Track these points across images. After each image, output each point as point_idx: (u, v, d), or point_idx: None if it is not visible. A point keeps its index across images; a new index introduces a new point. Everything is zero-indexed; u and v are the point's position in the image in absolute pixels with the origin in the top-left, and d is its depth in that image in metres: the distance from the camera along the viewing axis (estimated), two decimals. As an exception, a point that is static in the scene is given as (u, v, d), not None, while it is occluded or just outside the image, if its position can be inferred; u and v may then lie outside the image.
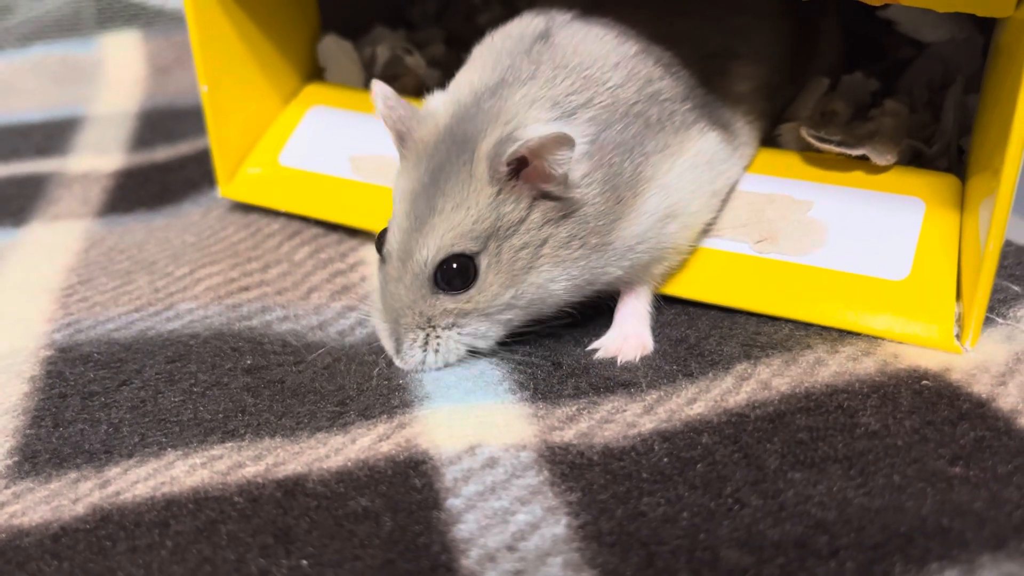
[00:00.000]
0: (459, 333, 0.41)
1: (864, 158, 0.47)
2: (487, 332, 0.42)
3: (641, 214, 0.42)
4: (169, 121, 0.76)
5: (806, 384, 0.40)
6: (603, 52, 0.43)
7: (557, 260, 0.40)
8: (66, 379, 0.43)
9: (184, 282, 0.51)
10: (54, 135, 0.75)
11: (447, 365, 0.42)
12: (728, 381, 0.41)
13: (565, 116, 0.40)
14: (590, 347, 0.43)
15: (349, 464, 0.37)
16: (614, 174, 0.41)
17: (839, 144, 0.48)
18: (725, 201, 0.47)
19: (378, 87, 0.41)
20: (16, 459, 0.39)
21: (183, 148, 0.71)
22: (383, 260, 0.41)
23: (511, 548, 0.32)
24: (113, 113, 0.79)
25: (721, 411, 0.39)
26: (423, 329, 0.40)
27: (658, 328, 0.45)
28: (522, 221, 0.39)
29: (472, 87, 0.41)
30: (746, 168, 0.48)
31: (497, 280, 0.40)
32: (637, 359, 0.42)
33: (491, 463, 0.36)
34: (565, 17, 0.44)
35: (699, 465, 0.36)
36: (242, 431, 0.39)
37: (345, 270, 0.52)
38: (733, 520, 0.33)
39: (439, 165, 0.39)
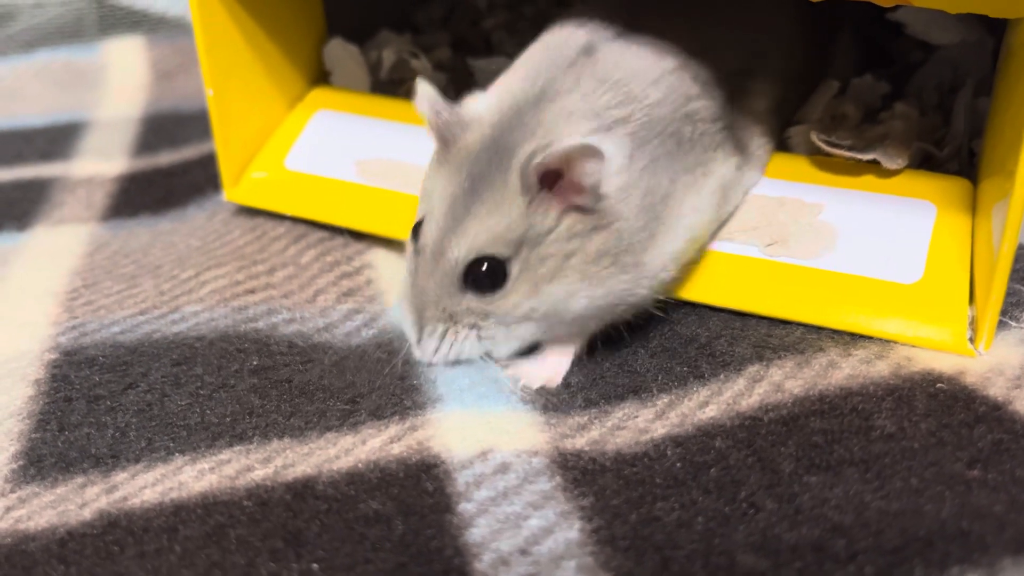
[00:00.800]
0: (478, 336, 0.41)
1: (875, 162, 0.47)
2: (504, 340, 0.41)
3: (676, 232, 0.42)
4: (173, 126, 0.76)
5: (820, 387, 0.40)
6: (643, 67, 0.43)
7: (583, 275, 0.39)
8: (71, 383, 0.43)
9: (189, 285, 0.51)
10: (58, 140, 0.75)
11: (460, 361, 0.42)
12: (740, 383, 0.41)
13: (603, 129, 0.40)
14: (507, 370, 0.43)
15: (360, 465, 0.36)
16: (650, 191, 0.40)
17: (850, 148, 0.48)
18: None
19: (423, 89, 0.41)
20: (21, 463, 0.38)
21: (187, 153, 0.70)
22: (417, 253, 0.41)
23: (524, 552, 0.32)
24: (117, 118, 0.79)
25: (734, 414, 0.39)
26: (444, 323, 0.41)
27: (667, 326, 0.45)
28: (550, 232, 0.39)
29: (514, 97, 0.41)
30: (746, 193, 0.48)
31: (521, 289, 0.39)
32: (535, 388, 0.42)
33: (503, 468, 0.36)
34: (608, 33, 0.44)
35: (713, 469, 0.36)
36: (250, 433, 0.39)
37: (352, 273, 0.51)
38: (748, 524, 0.33)
39: (480, 173, 0.39)
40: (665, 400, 0.40)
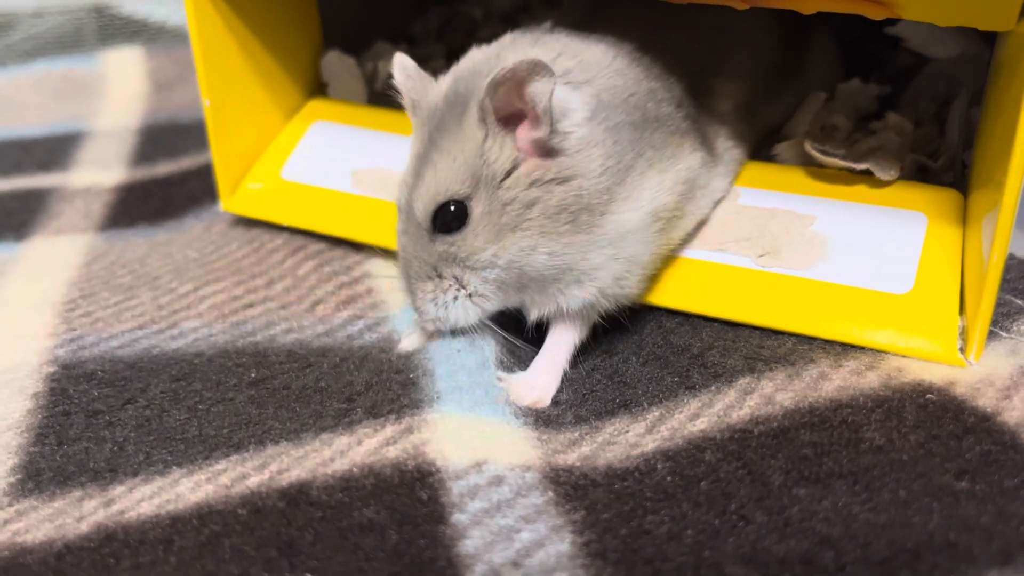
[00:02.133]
0: (465, 293, 0.42)
1: (868, 172, 0.47)
2: (484, 291, 0.42)
3: (637, 203, 0.42)
4: (171, 136, 0.76)
5: (810, 399, 0.40)
6: (602, 47, 0.44)
7: (543, 230, 0.40)
8: (70, 396, 0.43)
9: (188, 300, 0.51)
10: (56, 150, 0.75)
11: (459, 327, 0.43)
12: (731, 395, 0.41)
13: (567, 84, 0.41)
14: (499, 375, 0.43)
15: (355, 470, 0.37)
16: (615, 153, 0.41)
17: (843, 158, 0.48)
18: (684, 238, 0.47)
19: (399, 58, 0.43)
20: (19, 477, 0.39)
21: (185, 163, 0.71)
22: (398, 217, 0.43)
23: (516, 564, 0.32)
24: (115, 128, 0.79)
25: (724, 427, 0.39)
26: (431, 279, 0.42)
27: (661, 336, 0.46)
28: (508, 173, 0.39)
29: (473, 60, 0.43)
30: (716, 203, 0.48)
31: (485, 230, 0.40)
32: (524, 405, 0.42)
33: (497, 481, 0.36)
34: (568, 21, 0.46)
35: (703, 482, 0.36)
36: (246, 442, 0.39)
37: (350, 283, 0.52)
38: (738, 537, 0.33)
39: (437, 125, 0.41)
40: (656, 413, 0.40)
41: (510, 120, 0.39)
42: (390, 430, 0.39)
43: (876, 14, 0.41)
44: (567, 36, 0.44)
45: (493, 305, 0.43)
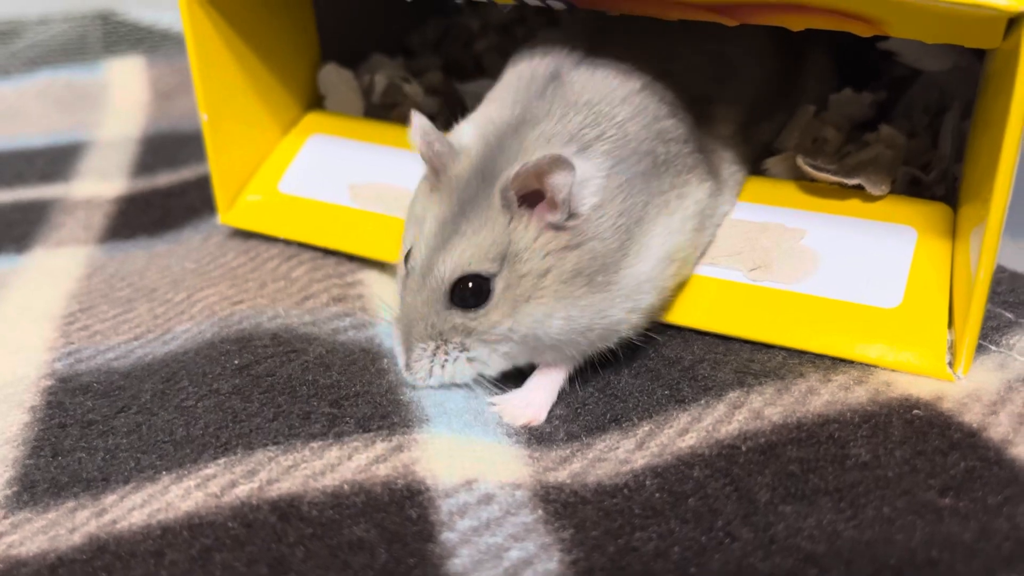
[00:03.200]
0: (466, 357, 0.42)
1: (859, 187, 0.48)
2: (489, 360, 0.42)
3: (648, 252, 0.42)
4: (171, 146, 0.77)
5: (798, 414, 0.40)
6: (609, 89, 0.44)
7: (558, 296, 0.40)
8: (66, 409, 0.44)
9: (181, 307, 0.52)
10: (58, 160, 0.76)
11: (452, 383, 0.43)
12: (720, 409, 0.41)
13: (582, 150, 0.41)
14: (491, 399, 0.43)
15: (345, 487, 0.37)
16: (626, 209, 0.41)
17: (835, 173, 0.48)
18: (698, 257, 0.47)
19: (417, 120, 0.43)
20: (15, 489, 0.39)
21: (185, 173, 0.71)
22: (407, 274, 0.43)
23: (503, 582, 0.32)
24: (116, 138, 0.80)
25: (713, 442, 0.39)
26: (433, 340, 0.42)
27: (652, 348, 0.46)
28: (527, 248, 0.40)
29: (495, 126, 0.43)
30: (719, 226, 0.48)
31: (501, 308, 0.40)
32: (519, 425, 0.42)
33: (487, 499, 0.36)
34: (573, 58, 0.46)
35: (691, 499, 0.36)
36: (234, 443, 0.40)
37: (343, 285, 0.52)
38: (724, 553, 0.33)
39: (467, 198, 0.41)
40: (646, 428, 0.40)
41: (528, 199, 0.40)
42: (380, 447, 0.40)
43: (864, 31, 0.41)
44: (577, 80, 0.44)
45: (491, 371, 0.43)
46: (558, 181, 0.38)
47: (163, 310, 0.52)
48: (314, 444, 0.40)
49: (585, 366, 0.44)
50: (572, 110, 0.43)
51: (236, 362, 0.44)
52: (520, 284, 0.40)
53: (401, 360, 0.43)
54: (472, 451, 0.40)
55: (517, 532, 0.35)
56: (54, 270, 0.58)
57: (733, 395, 0.42)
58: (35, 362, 0.48)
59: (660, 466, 0.38)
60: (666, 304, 0.46)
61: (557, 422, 0.42)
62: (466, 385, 0.43)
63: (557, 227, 0.40)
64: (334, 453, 0.39)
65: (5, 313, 0.53)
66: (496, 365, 0.43)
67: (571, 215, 0.40)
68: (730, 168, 0.49)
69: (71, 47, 0.95)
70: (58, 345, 0.49)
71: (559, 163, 0.38)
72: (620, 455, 0.39)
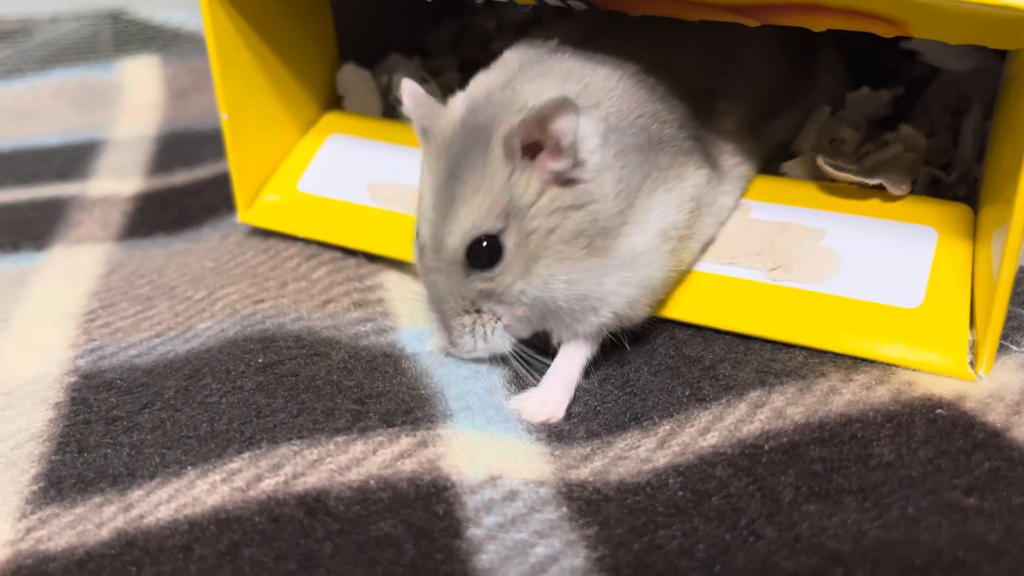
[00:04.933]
0: (501, 322, 0.42)
1: (879, 187, 0.48)
2: (514, 323, 0.42)
3: (646, 224, 0.42)
4: (187, 145, 0.77)
5: (820, 413, 0.40)
6: (605, 71, 0.44)
7: (560, 256, 0.40)
8: (90, 405, 0.44)
9: (202, 304, 0.52)
10: (74, 159, 0.76)
11: (497, 355, 0.43)
12: (742, 408, 0.41)
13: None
14: (511, 400, 0.43)
15: (371, 482, 0.37)
16: (624, 177, 0.41)
17: (855, 173, 0.48)
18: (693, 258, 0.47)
19: (407, 84, 0.43)
20: (42, 485, 0.39)
21: (201, 172, 0.72)
22: (421, 253, 0.42)
23: (530, 579, 0.33)
24: (132, 137, 0.80)
25: (735, 442, 0.39)
26: (468, 313, 0.41)
27: (673, 347, 0.46)
28: (532, 204, 0.40)
29: (485, 87, 0.43)
30: (722, 223, 0.48)
31: (515, 267, 0.40)
32: (537, 422, 0.42)
33: (512, 496, 0.36)
34: (571, 42, 0.46)
35: (714, 498, 0.36)
36: (258, 437, 0.40)
37: (363, 290, 0.52)
38: (749, 552, 0.34)
39: (456, 157, 0.40)
40: (667, 427, 0.41)
41: (529, 150, 0.40)
42: (405, 442, 0.40)
43: (886, 32, 0.41)
44: (572, 57, 0.44)
45: (523, 333, 0.43)
46: (564, 125, 0.38)
47: (184, 308, 0.52)
48: (338, 439, 0.40)
49: (604, 363, 0.45)
50: (569, 79, 0.43)
51: (260, 360, 0.45)
52: (528, 242, 0.40)
53: (442, 339, 0.43)
54: (495, 447, 0.40)
55: (543, 529, 0.35)
56: (73, 268, 0.58)
57: (755, 394, 0.42)
58: (58, 359, 0.48)
59: (682, 465, 0.38)
60: (665, 288, 0.45)
61: (576, 420, 0.42)
62: (503, 358, 0.43)
63: (563, 181, 0.40)
64: (359, 448, 0.39)
65: (26, 311, 0.54)
66: (520, 328, 0.42)
67: (575, 164, 0.40)
68: (731, 160, 0.48)
69: (83, 45, 0.95)
70: (80, 342, 0.50)
71: (565, 105, 0.37)
72: (641, 454, 0.39)
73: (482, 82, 0.44)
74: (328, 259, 0.56)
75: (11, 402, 0.45)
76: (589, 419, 0.42)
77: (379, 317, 0.49)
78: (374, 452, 0.39)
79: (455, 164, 0.40)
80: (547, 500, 0.36)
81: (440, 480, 0.37)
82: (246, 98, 0.56)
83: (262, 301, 0.51)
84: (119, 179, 0.72)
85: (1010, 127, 0.43)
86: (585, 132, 0.40)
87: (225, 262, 0.57)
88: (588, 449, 0.40)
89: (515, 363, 0.43)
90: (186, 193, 0.68)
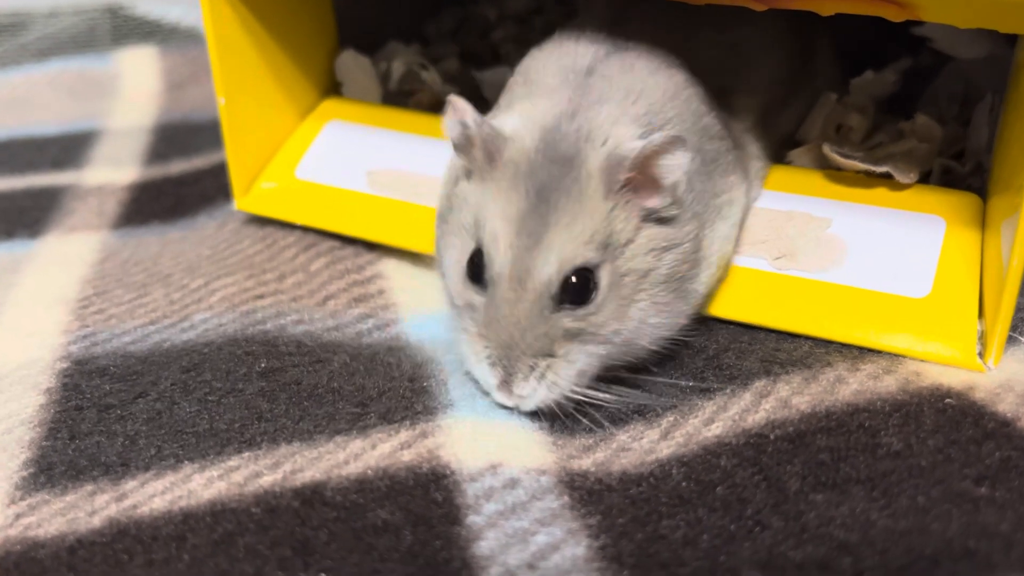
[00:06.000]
0: (577, 367, 0.38)
1: (887, 175, 0.47)
2: (587, 367, 0.38)
3: (708, 260, 0.41)
4: (184, 136, 0.77)
5: (827, 403, 0.39)
6: (657, 82, 0.42)
7: (654, 298, 0.38)
8: (82, 392, 0.43)
9: (199, 293, 0.51)
10: (70, 148, 0.75)
11: (555, 402, 0.38)
12: (747, 398, 0.41)
13: (650, 133, 0.39)
14: None
15: (369, 472, 0.37)
16: (698, 211, 0.40)
17: (862, 160, 0.48)
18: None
19: (459, 103, 0.39)
20: (32, 471, 0.39)
21: (198, 162, 0.71)
22: (484, 286, 0.38)
23: (531, 567, 0.32)
24: (129, 127, 0.80)
25: (740, 431, 0.38)
26: (544, 357, 0.37)
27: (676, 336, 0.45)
28: (629, 243, 0.38)
29: (543, 113, 0.40)
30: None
31: (610, 304, 0.38)
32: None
33: (512, 484, 0.36)
34: (600, 53, 0.44)
35: (719, 488, 0.36)
36: (259, 439, 0.39)
37: (363, 281, 0.52)
38: (754, 542, 0.33)
39: (542, 187, 0.37)
40: (670, 419, 0.40)
41: (629, 185, 0.38)
42: (404, 435, 0.39)
43: (895, 16, 0.41)
44: (617, 71, 0.42)
45: (585, 378, 0.39)
46: (673, 162, 0.36)
47: (179, 296, 0.51)
48: (338, 438, 0.39)
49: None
50: (630, 97, 0.40)
51: (263, 365, 0.44)
52: (623, 283, 0.37)
53: (494, 382, 0.38)
54: (496, 436, 0.39)
55: (543, 517, 0.34)
56: (67, 255, 0.58)
57: (759, 384, 0.41)
58: (50, 345, 0.48)
59: (686, 455, 0.38)
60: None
61: (579, 411, 0.42)
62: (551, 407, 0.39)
63: (659, 220, 0.38)
64: (357, 444, 0.39)
65: (18, 297, 0.53)
66: (589, 376, 0.39)
67: (673, 203, 0.38)
68: (756, 163, 0.48)
69: (80, 39, 0.95)
70: (73, 328, 0.49)
71: (677, 143, 0.36)
72: (645, 445, 0.39)
73: (533, 107, 0.41)
74: (326, 249, 0.55)
75: (2, 387, 0.44)
76: (591, 411, 0.41)
77: (380, 311, 0.49)
78: (373, 447, 0.38)
79: (543, 192, 0.37)
80: (548, 489, 0.36)
81: (439, 468, 0.37)
82: (244, 82, 0.55)
83: (261, 297, 0.50)
84: (115, 168, 0.71)
85: (1020, 115, 0.43)
86: (686, 166, 0.37)
87: (222, 251, 0.56)
88: (591, 440, 0.39)
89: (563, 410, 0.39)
90: (182, 183, 0.67)
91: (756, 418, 0.39)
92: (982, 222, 0.46)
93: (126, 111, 0.83)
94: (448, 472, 0.36)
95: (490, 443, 0.38)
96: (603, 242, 0.37)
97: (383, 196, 0.54)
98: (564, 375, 0.38)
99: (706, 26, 0.47)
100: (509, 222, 0.38)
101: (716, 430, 0.39)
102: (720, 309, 0.46)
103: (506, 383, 0.38)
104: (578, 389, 0.39)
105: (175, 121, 0.80)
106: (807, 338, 0.44)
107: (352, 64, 0.62)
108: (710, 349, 0.44)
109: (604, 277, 0.37)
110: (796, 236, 0.46)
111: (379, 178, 0.55)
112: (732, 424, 0.39)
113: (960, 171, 0.51)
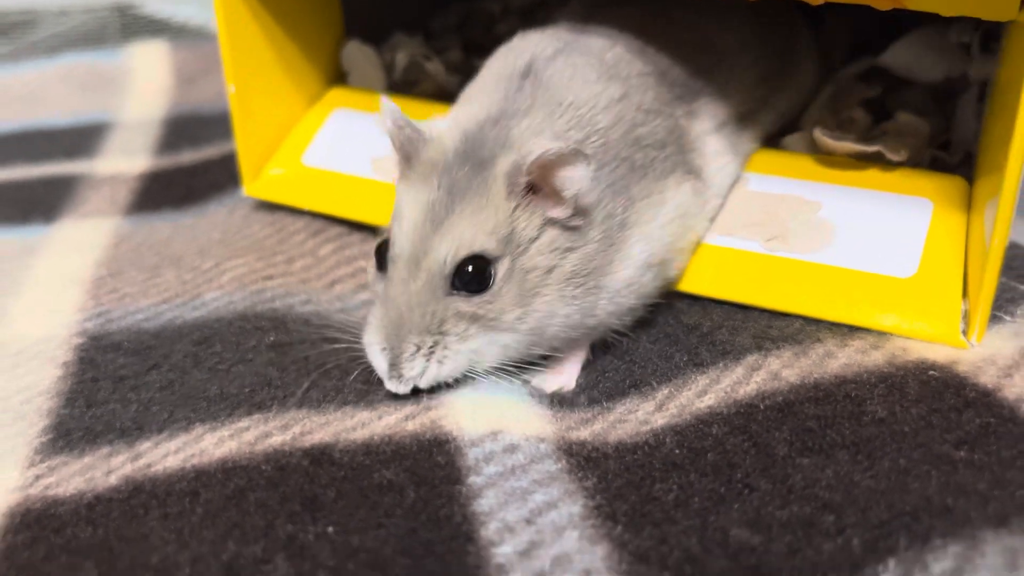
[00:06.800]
0: (469, 348, 0.40)
1: (879, 155, 0.48)
2: (487, 351, 0.40)
3: (627, 259, 0.42)
4: (194, 127, 0.78)
5: (815, 375, 0.41)
6: (592, 94, 0.43)
7: (559, 293, 0.40)
8: (97, 365, 0.45)
9: (210, 274, 0.53)
10: (83, 139, 0.77)
11: (443, 382, 0.40)
12: (738, 371, 0.42)
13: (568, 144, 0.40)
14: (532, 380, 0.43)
15: (375, 438, 0.38)
16: (608, 215, 0.41)
17: (853, 141, 0.49)
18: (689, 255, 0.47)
19: (387, 104, 0.42)
20: (51, 436, 0.40)
21: (208, 152, 0.72)
22: (385, 265, 0.41)
23: (529, 521, 0.33)
24: (140, 119, 0.81)
25: (731, 402, 0.40)
26: (431, 335, 0.39)
27: (672, 315, 0.47)
28: (533, 241, 0.40)
29: (473, 118, 0.42)
30: (712, 220, 0.48)
31: (509, 294, 0.39)
32: (550, 391, 0.42)
33: (512, 448, 0.37)
34: (546, 53, 0.45)
35: (710, 454, 0.37)
36: (269, 403, 0.41)
37: (368, 268, 0.53)
38: (743, 503, 0.34)
39: (454, 183, 0.39)
40: (665, 392, 0.41)
41: (532, 189, 0.39)
42: (410, 408, 0.41)
43: (883, 4, 0.42)
44: (553, 77, 0.43)
45: (483, 366, 0.41)
46: (574, 174, 0.38)
47: (191, 276, 0.53)
48: (347, 408, 0.41)
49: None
50: (557, 110, 0.42)
51: (272, 339, 0.45)
52: (527, 279, 0.39)
53: (382, 366, 0.40)
54: (497, 408, 0.41)
55: (541, 478, 0.36)
56: (81, 240, 0.59)
57: (751, 358, 0.43)
58: (65, 322, 0.49)
59: (679, 425, 0.39)
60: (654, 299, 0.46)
61: (578, 388, 0.43)
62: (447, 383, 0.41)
63: (564, 225, 0.40)
64: (365, 414, 0.40)
65: (35, 277, 0.54)
66: (491, 358, 0.41)
67: (575, 213, 0.40)
68: (718, 162, 0.48)
69: (90, 37, 0.96)
70: (88, 307, 0.50)
71: (578, 156, 0.37)
72: (640, 416, 0.40)
73: (467, 114, 0.43)
74: (335, 235, 0.57)
75: (20, 361, 0.46)
76: (591, 388, 0.43)
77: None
78: (379, 418, 0.40)
79: (453, 188, 0.39)
80: (547, 454, 0.37)
81: (442, 435, 0.38)
82: (253, 71, 0.57)
83: (271, 278, 0.52)
84: (127, 158, 0.73)
85: (1003, 100, 0.44)
86: (586, 180, 0.39)
87: (232, 235, 0.58)
88: (589, 414, 0.41)
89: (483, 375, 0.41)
90: (193, 172, 0.69)
91: (747, 390, 0.41)
92: (968, 204, 0.47)
93: (137, 104, 0.85)
94: (450, 438, 0.38)
95: (491, 413, 0.40)
96: (505, 237, 0.39)
97: (388, 182, 0.56)
98: (454, 349, 0.39)
99: (676, 25, 0.48)
100: (416, 209, 0.40)
101: (708, 401, 0.40)
102: (713, 289, 0.47)
103: (395, 366, 0.39)
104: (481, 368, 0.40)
105: (185, 114, 0.82)
106: (798, 317, 0.46)
107: (358, 54, 0.64)
108: (704, 326, 0.46)
109: (501, 269, 0.39)
110: (788, 219, 0.48)
111: (384, 164, 0.57)
112: (724, 395, 0.40)
113: (949, 161, 0.52)
